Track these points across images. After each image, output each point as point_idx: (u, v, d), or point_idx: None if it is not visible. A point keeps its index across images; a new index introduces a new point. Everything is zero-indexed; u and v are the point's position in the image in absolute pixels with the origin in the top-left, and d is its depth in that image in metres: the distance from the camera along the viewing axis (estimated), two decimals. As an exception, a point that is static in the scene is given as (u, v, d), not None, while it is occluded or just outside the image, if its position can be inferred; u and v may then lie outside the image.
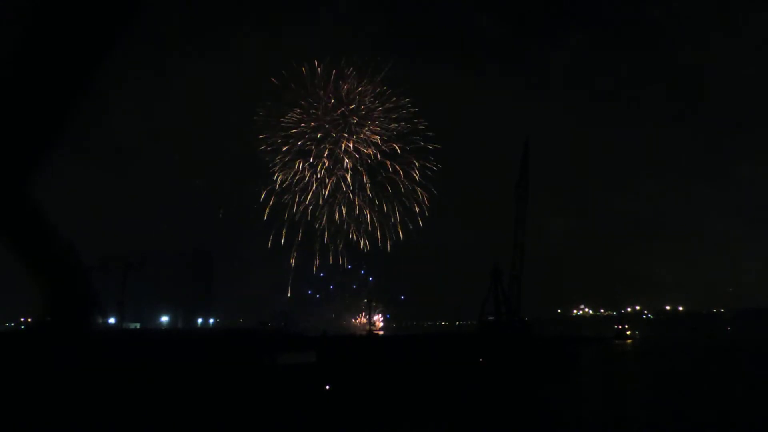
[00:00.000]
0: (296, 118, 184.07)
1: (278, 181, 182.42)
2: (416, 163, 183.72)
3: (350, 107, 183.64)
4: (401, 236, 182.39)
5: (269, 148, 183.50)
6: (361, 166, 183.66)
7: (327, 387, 48.44)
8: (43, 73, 6.99)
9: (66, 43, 6.89)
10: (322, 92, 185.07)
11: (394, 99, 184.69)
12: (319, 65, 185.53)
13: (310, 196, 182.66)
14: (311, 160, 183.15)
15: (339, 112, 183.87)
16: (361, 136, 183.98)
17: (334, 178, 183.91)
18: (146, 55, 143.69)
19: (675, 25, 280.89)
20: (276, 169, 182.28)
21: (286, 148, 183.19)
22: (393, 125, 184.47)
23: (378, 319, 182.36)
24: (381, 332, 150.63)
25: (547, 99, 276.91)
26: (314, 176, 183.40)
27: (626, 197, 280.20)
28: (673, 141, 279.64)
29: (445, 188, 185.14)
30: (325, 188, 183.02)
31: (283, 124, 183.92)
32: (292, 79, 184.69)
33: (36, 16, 6.63)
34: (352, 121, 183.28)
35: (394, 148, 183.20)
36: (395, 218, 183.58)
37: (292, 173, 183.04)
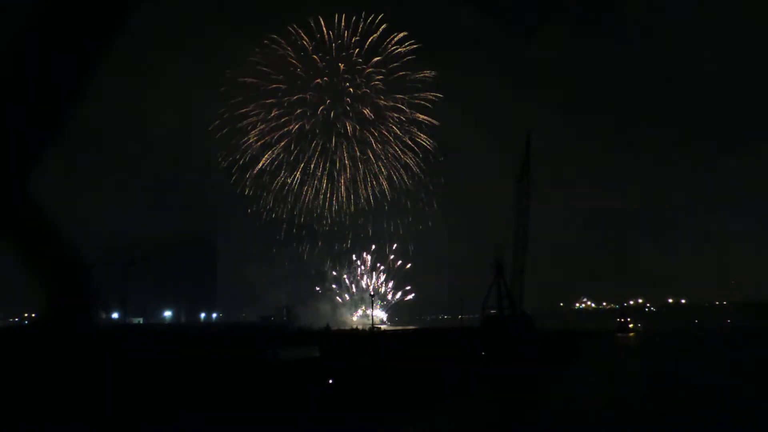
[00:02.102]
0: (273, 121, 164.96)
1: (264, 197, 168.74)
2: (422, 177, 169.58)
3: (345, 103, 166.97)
4: (400, 256, 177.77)
5: (242, 160, 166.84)
6: (359, 174, 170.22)
7: (330, 381, 48.64)
8: (42, 73, 6.98)
9: (64, 44, 6.88)
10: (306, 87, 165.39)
11: (391, 97, 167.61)
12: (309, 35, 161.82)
13: (301, 202, 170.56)
14: (297, 174, 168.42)
15: (332, 112, 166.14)
16: (358, 140, 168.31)
17: (326, 191, 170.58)
18: (138, 52, 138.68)
19: (668, 24, 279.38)
20: (248, 186, 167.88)
21: (264, 160, 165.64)
22: (400, 133, 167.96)
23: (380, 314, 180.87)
24: (383, 327, 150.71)
25: (546, 96, 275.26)
26: (304, 189, 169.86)
27: (627, 191, 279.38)
28: (672, 137, 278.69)
29: (445, 187, 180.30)
30: (316, 198, 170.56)
31: (253, 132, 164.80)
32: (267, 67, 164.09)
33: (34, 19, 6.62)
34: (344, 127, 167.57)
35: (401, 164, 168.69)
36: (395, 232, 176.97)
37: (273, 186, 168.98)
